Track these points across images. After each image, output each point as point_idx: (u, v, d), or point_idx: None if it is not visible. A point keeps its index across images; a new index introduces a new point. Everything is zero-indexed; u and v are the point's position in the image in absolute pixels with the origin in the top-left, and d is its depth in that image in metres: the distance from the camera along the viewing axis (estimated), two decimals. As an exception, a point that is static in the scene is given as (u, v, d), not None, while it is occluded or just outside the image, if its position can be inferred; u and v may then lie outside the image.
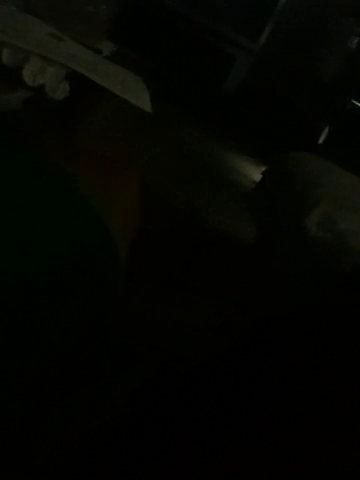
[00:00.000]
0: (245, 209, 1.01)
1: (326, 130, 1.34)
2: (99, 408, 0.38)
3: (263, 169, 1.04)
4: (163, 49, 1.22)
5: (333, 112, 1.32)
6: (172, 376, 0.41)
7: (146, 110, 1.03)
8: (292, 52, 1.35)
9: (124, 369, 0.42)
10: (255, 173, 1.08)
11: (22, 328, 0.31)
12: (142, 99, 1.06)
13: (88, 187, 0.44)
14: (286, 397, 0.33)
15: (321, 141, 1.29)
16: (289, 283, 0.65)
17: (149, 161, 1.03)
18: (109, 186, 0.49)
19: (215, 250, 1.08)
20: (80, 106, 1.11)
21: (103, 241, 0.42)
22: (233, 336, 0.51)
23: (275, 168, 0.99)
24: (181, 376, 0.44)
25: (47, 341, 0.33)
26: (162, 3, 1.28)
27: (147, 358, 0.41)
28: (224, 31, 1.23)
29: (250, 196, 1.01)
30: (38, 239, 0.36)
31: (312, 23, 1.36)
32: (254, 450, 0.32)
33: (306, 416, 0.31)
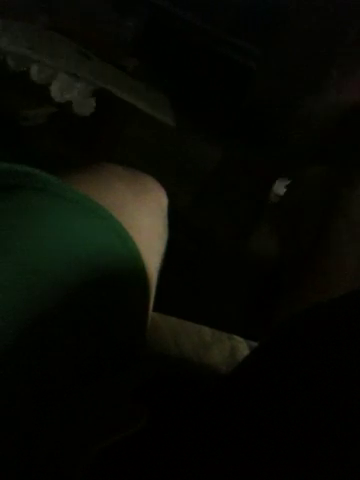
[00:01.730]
0: (268, 223, 1.01)
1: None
2: (102, 410, 0.39)
3: (287, 183, 1.05)
4: (183, 64, 1.24)
5: (354, 124, 1.32)
6: (171, 378, 0.42)
7: (169, 124, 1.06)
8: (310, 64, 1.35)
9: (124, 369, 0.43)
10: (279, 187, 1.09)
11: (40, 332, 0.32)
12: (164, 114, 1.08)
13: (118, 206, 0.45)
14: (291, 401, 0.33)
15: (342, 154, 1.30)
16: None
17: (168, 175, 1.04)
18: (137, 205, 0.50)
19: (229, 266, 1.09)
20: (106, 121, 1.13)
21: (131, 260, 0.43)
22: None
23: (299, 182, 0.99)
24: (180, 378, 0.45)
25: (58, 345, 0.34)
26: (181, 19, 1.30)
27: (147, 358, 0.42)
28: (242, 44, 1.24)
29: (274, 210, 1.02)
30: (67, 255, 0.37)
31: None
32: (256, 453, 0.33)
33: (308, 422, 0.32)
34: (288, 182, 1.02)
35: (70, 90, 1.01)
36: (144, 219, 0.49)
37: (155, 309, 0.48)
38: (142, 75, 1.15)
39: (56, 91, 1.01)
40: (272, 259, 0.99)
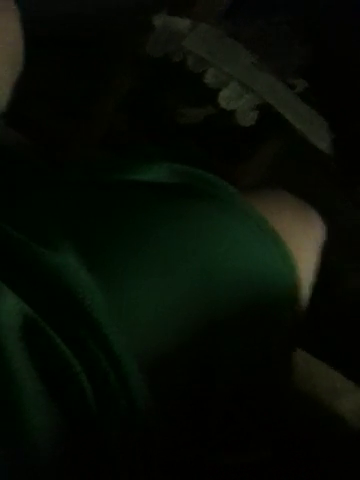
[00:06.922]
0: None
1: None
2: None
3: None
4: (350, 100, 1.21)
5: None
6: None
7: (327, 154, 1.04)
8: None
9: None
10: None
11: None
12: (324, 143, 1.07)
13: (286, 235, 0.45)
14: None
15: None
16: None
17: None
18: (303, 238, 0.50)
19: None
20: (260, 137, 1.13)
21: (293, 289, 0.44)
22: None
23: None
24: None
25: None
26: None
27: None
28: None
29: None
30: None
31: None
32: None
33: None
34: None
35: (238, 100, 1.02)
36: (306, 253, 0.49)
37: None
38: (310, 99, 1.14)
39: (224, 98, 1.03)
40: None
